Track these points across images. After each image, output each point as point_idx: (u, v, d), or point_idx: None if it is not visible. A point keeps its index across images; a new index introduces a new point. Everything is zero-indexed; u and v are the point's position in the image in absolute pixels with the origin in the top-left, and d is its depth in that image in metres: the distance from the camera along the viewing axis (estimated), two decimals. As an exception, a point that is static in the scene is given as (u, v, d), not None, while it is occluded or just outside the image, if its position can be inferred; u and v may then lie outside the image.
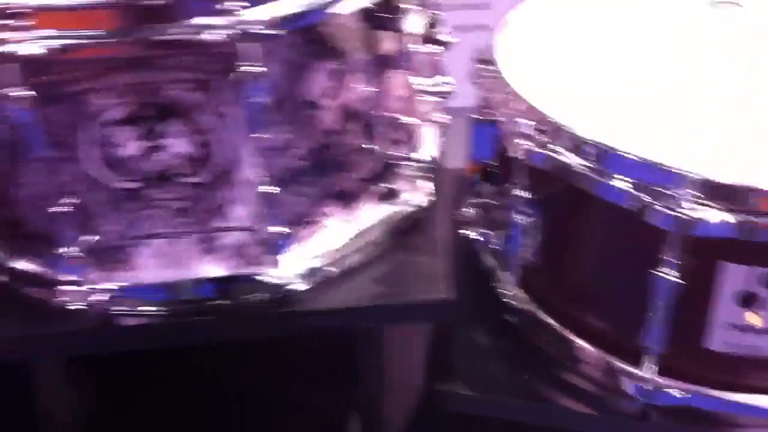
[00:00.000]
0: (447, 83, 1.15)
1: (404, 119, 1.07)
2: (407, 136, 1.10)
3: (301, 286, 1.04)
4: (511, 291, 1.17)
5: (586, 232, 1.09)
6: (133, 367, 1.30)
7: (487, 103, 1.15)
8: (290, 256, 1.02)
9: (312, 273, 1.05)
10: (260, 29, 0.85)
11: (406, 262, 1.10)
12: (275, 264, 1.01)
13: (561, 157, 1.00)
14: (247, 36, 0.84)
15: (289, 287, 1.04)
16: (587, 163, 0.97)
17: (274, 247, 1.00)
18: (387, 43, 1.00)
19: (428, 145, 1.11)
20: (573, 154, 0.99)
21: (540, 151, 1.02)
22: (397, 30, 0.96)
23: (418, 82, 1.10)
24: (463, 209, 1.25)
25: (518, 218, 1.10)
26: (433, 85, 1.12)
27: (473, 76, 1.17)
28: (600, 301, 1.09)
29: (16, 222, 1.01)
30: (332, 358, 1.34)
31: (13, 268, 1.05)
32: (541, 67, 1.13)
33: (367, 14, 0.96)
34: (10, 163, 0.95)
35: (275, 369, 1.42)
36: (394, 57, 1.02)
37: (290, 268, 1.03)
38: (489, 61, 1.12)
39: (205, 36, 0.84)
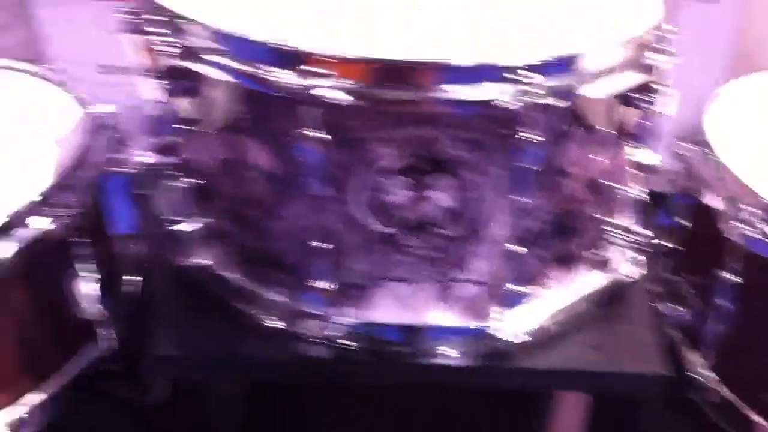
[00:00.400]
0: (655, 158, 1.18)
1: (628, 191, 1.11)
2: (626, 208, 1.14)
3: (522, 343, 1.08)
4: (699, 369, 1.19)
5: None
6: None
7: (690, 180, 1.18)
8: (516, 314, 1.06)
9: (533, 332, 1.09)
10: (547, 99, 0.89)
11: (619, 331, 1.13)
12: (505, 319, 1.05)
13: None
14: (532, 105, 0.89)
15: (511, 343, 1.07)
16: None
17: (506, 303, 1.04)
18: (629, 118, 1.05)
19: (640, 218, 1.15)
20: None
21: (760, 237, 1.04)
22: (649, 110, 1.00)
23: (636, 155, 1.13)
24: (654, 281, 1.27)
25: (720, 299, 1.13)
26: (647, 159, 1.15)
27: (674, 151, 1.20)
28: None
29: (270, 252, 1.06)
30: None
31: (254, 295, 1.10)
32: (755, 146, 1.15)
33: (628, 94, 1.01)
34: (280, 196, 1.01)
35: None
36: (628, 131, 1.06)
37: (515, 326, 1.07)
38: (698, 141, 1.15)
39: (493, 101, 0.89)
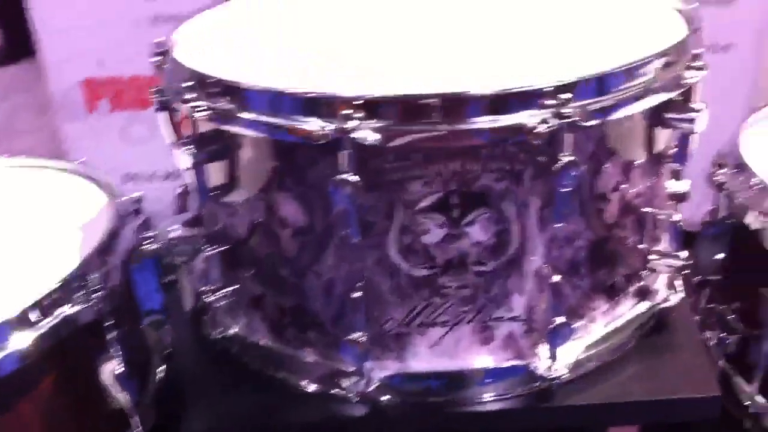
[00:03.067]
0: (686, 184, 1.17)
1: (665, 215, 1.10)
2: (662, 234, 1.13)
3: (568, 380, 1.04)
4: (751, 396, 1.16)
5: None
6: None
7: (726, 207, 1.18)
8: (560, 350, 1.03)
9: (578, 368, 1.06)
10: (579, 121, 0.89)
11: (665, 359, 1.11)
12: (549, 356, 1.02)
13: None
14: (568, 126, 0.88)
15: (555, 381, 1.04)
16: None
17: (550, 339, 1.01)
18: (665, 141, 1.04)
19: (678, 242, 1.13)
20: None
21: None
22: (690, 130, 1.00)
23: (669, 184, 1.13)
24: (697, 310, 1.25)
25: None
26: (678, 186, 1.14)
27: (711, 179, 1.20)
28: None
29: (303, 311, 1.04)
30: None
31: (287, 358, 1.08)
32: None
33: (660, 113, 1.00)
34: (312, 250, 0.99)
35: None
36: (667, 153, 1.05)
37: (560, 362, 1.03)
38: (737, 165, 1.16)
39: (525, 126, 0.89)
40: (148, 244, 1.18)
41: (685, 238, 1.19)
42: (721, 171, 1.20)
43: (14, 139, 3.03)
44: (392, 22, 1.19)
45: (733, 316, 1.22)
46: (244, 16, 1.26)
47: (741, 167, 1.16)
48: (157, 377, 1.23)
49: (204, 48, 1.12)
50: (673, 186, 1.13)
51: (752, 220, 1.13)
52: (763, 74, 1.96)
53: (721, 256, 1.24)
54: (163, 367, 1.25)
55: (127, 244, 1.13)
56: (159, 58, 1.08)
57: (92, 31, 1.89)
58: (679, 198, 1.15)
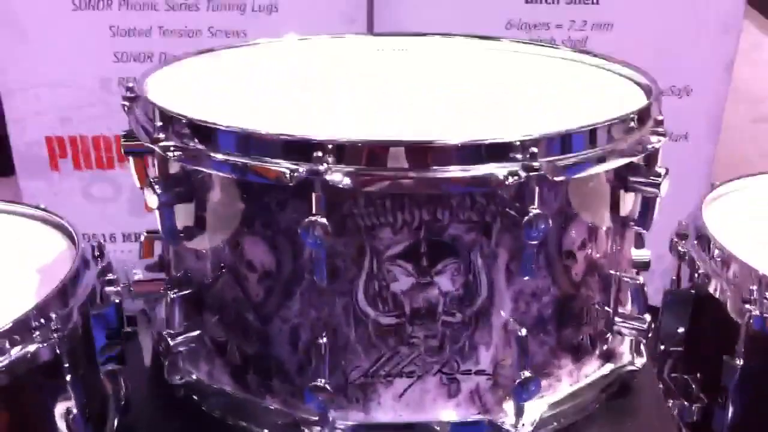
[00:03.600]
0: (647, 254, 1.19)
1: (630, 278, 1.11)
2: (626, 297, 1.13)
3: (531, 438, 1.03)
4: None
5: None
6: None
7: (693, 276, 1.20)
8: (526, 406, 1.02)
9: (541, 425, 1.04)
10: (547, 175, 0.91)
11: (629, 424, 1.10)
12: (515, 412, 1.01)
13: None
14: (536, 179, 0.90)
15: (519, 438, 1.02)
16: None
17: (516, 394, 1.00)
18: (629, 206, 1.06)
19: (642, 305, 1.14)
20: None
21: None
22: (654, 194, 1.02)
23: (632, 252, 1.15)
24: (662, 378, 1.26)
25: (732, 387, 1.11)
26: (640, 255, 1.16)
27: (673, 249, 1.23)
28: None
29: (267, 357, 1.03)
30: None
31: (250, 406, 1.06)
32: (748, 243, 1.19)
33: (624, 177, 1.03)
34: (278, 295, 0.99)
35: None
36: (631, 219, 1.07)
37: (525, 418, 1.02)
38: (699, 236, 1.18)
39: (495, 178, 0.90)
40: (109, 289, 1.17)
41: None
42: (683, 241, 1.23)
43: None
44: (370, 73, 1.22)
45: (695, 386, 1.23)
46: (216, 64, 1.29)
47: (703, 237, 1.20)
48: (113, 427, 1.20)
49: (174, 90, 1.14)
50: (635, 254, 1.15)
51: (715, 288, 1.15)
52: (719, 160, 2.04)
53: (681, 330, 1.27)
54: (117, 419, 1.22)
55: (87, 289, 1.13)
56: (127, 102, 1.08)
57: (56, 90, 1.92)
58: (642, 267, 1.17)
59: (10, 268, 1.19)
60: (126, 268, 1.14)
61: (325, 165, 0.88)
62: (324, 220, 0.89)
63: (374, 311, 0.96)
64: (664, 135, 1.02)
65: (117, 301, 1.18)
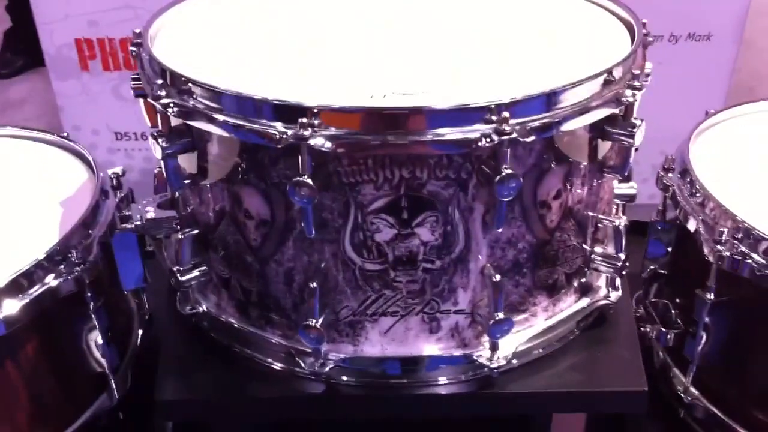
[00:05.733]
0: (633, 188, 1.24)
1: (607, 219, 1.17)
2: (604, 236, 1.20)
3: (509, 369, 1.13)
4: (685, 387, 1.24)
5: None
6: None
7: (672, 209, 1.25)
8: (502, 341, 1.11)
9: (517, 357, 1.14)
10: (518, 137, 0.96)
11: (601, 353, 1.19)
12: (490, 347, 1.11)
13: (756, 263, 1.08)
14: (508, 142, 0.95)
15: (496, 369, 1.12)
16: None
17: (492, 331, 1.09)
18: (605, 151, 1.11)
19: (620, 244, 1.21)
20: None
21: (737, 257, 1.10)
22: (630, 144, 1.07)
23: (615, 186, 1.20)
24: (639, 306, 1.33)
25: (703, 319, 1.18)
26: (626, 189, 1.22)
27: (658, 182, 1.28)
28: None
29: (266, 295, 1.12)
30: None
31: (252, 337, 1.16)
32: (733, 177, 1.23)
33: (601, 126, 1.07)
34: (273, 241, 1.07)
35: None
36: (607, 163, 1.12)
37: (502, 352, 1.12)
38: (683, 171, 1.22)
39: (470, 141, 0.96)
40: (127, 220, 1.24)
41: (638, 227, 1.26)
42: (669, 175, 1.27)
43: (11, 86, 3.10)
44: (360, 31, 1.25)
45: (675, 311, 1.29)
46: (223, 9, 1.32)
47: (686, 173, 1.23)
48: (137, 341, 1.32)
49: (178, 41, 1.19)
50: (621, 188, 1.20)
51: (693, 226, 1.20)
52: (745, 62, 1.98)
53: (669, 249, 1.32)
54: (141, 331, 1.33)
55: (107, 219, 1.20)
56: (135, 48, 1.14)
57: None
58: (628, 199, 1.22)
59: (30, 196, 1.26)
60: (140, 207, 1.21)
61: (310, 130, 0.94)
62: (309, 181, 0.96)
63: (360, 258, 1.05)
64: (639, 89, 1.05)
65: (136, 228, 1.24)
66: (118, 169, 1.29)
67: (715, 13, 1.87)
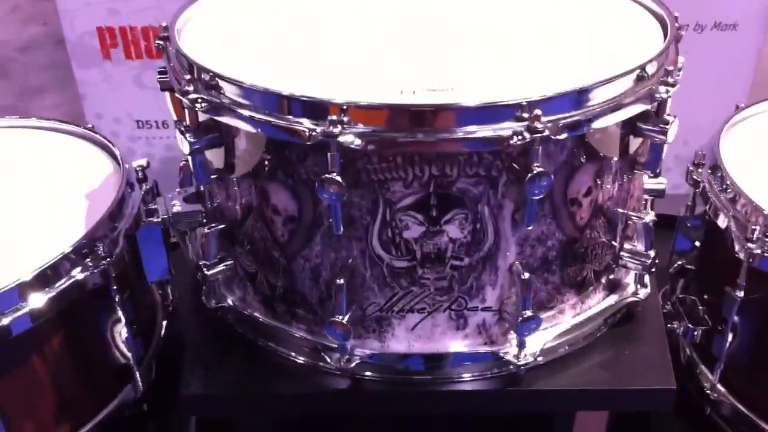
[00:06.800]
0: (662, 183, 1.23)
1: (637, 216, 1.16)
2: (633, 232, 1.19)
3: (535, 366, 1.13)
4: (712, 385, 1.23)
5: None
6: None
7: (701, 204, 1.23)
8: (529, 339, 1.11)
9: (545, 355, 1.14)
10: (550, 135, 0.95)
11: (628, 350, 1.18)
12: (517, 344, 1.10)
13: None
14: (539, 140, 0.94)
15: (523, 367, 1.12)
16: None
17: (520, 328, 1.08)
18: (638, 146, 1.10)
19: (649, 241, 1.20)
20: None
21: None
22: (662, 141, 1.05)
23: (644, 181, 1.19)
24: (667, 302, 1.32)
25: (732, 317, 1.17)
26: (655, 184, 1.20)
27: (688, 177, 1.26)
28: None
29: (292, 291, 1.12)
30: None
31: (278, 332, 1.16)
32: (764, 172, 1.21)
33: (634, 122, 1.05)
34: (301, 237, 1.07)
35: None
36: (638, 160, 1.11)
37: (527, 349, 1.11)
38: (713, 166, 1.21)
39: (501, 139, 0.95)
40: (153, 213, 1.24)
41: (662, 219, 1.24)
42: (699, 170, 1.25)
43: (31, 74, 3.11)
44: (391, 29, 1.22)
45: (702, 307, 1.28)
46: (249, 3, 1.31)
47: (716, 168, 1.21)
48: (161, 332, 1.32)
49: (205, 35, 1.18)
50: (650, 183, 1.18)
51: (723, 222, 1.18)
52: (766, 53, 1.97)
53: (696, 244, 1.31)
54: (165, 323, 1.34)
55: (133, 212, 1.20)
56: (162, 42, 1.13)
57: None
58: (657, 195, 1.20)
59: (56, 189, 1.25)
60: (167, 200, 1.21)
61: (339, 127, 0.93)
62: (338, 178, 0.95)
63: (388, 255, 1.04)
64: (673, 85, 1.04)
65: (161, 221, 1.24)
66: (143, 161, 1.28)
67: (741, 2, 1.86)
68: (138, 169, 1.27)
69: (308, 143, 0.96)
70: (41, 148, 1.36)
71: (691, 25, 1.74)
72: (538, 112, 0.93)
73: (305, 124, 0.96)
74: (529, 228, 1.03)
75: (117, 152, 1.30)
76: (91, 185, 1.26)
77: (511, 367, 1.12)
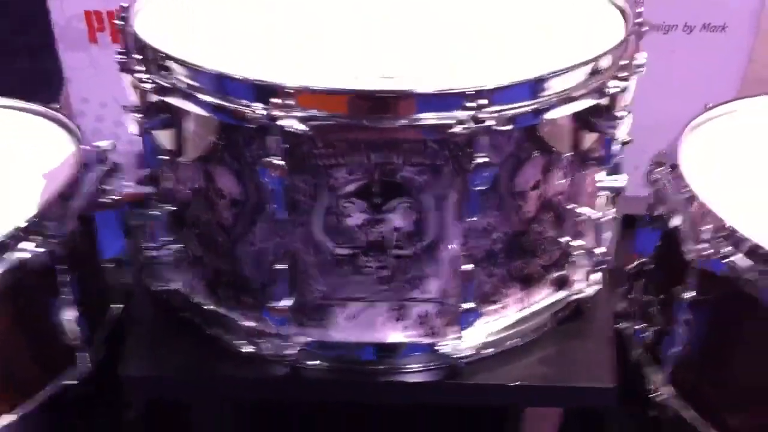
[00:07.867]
0: (622, 180, 1.22)
1: (588, 212, 1.15)
2: (586, 228, 1.19)
3: (477, 359, 1.12)
4: (659, 385, 1.23)
5: (752, 337, 1.14)
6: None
7: (660, 204, 1.23)
8: (471, 331, 1.10)
9: (485, 347, 1.13)
10: (495, 126, 0.94)
11: (572, 347, 1.18)
12: (457, 337, 1.10)
13: (737, 264, 1.06)
14: (484, 130, 0.94)
15: (463, 360, 1.11)
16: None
17: (461, 321, 1.08)
18: (589, 142, 1.09)
19: (601, 238, 1.19)
20: (748, 261, 1.05)
21: (717, 257, 1.09)
22: (613, 135, 1.05)
23: (599, 177, 1.18)
24: (619, 302, 1.32)
25: (681, 317, 1.16)
26: (612, 181, 1.19)
27: (648, 176, 1.25)
28: (759, 405, 1.13)
29: (236, 276, 1.12)
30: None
31: (221, 317, 1.16)
32: (724, 174, 1.21)
33: (582, 117, 1.05)
34: (245, 221, 1.06)
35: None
36: (591, 154, 1.10)
37: (467, 342, 1.11)
38: (672, 165, 1.20)
39: (445, 127, 0.94)
40: (109, 193, 1.23)
41: (629, 221, 1.23)
42: (658, 170, 1.24)
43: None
44: (357, 24, 1.21)
45: (657, 307, 1.28)
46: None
47: (675, 168, 1.20)
48: (107, 320, 1.31)
49: (161, 18, 1.17)
50: (607, 181, 1.17)
51: (676, 222, 1.18)
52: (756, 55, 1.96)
53: (650, 249, 1.30)
54: (122, 305, 1.33)
55: (88, 193, 1.19)
56: (121, 22, 1.13)
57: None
58: (615, 192, 1.20)
59: (15, 168, 1.25)
60: (119, 181, 1.21)
61: (283, 111, 0.93)
62: (281, 162, 0.95)
63: (330, 242, 1.04)
64: (626, 80, 1.03)
65: (116, 202, 1.23)
66: (107, 143, 1.27)
67: (731, 3, 1.84)
68: (96, 149, 1.26)
69: (252, 126, 0.95)
70: (4, 127, 1.36)
71: (680, 26, 1.73)
72: (483, 101, 0.93)
73: (251, 107, 0.95)
74: (473, 219, 1.02)
75: (78, 132, 1.30)
76: (50, 165, 1.25)
77: (451, 360, 1.11)
